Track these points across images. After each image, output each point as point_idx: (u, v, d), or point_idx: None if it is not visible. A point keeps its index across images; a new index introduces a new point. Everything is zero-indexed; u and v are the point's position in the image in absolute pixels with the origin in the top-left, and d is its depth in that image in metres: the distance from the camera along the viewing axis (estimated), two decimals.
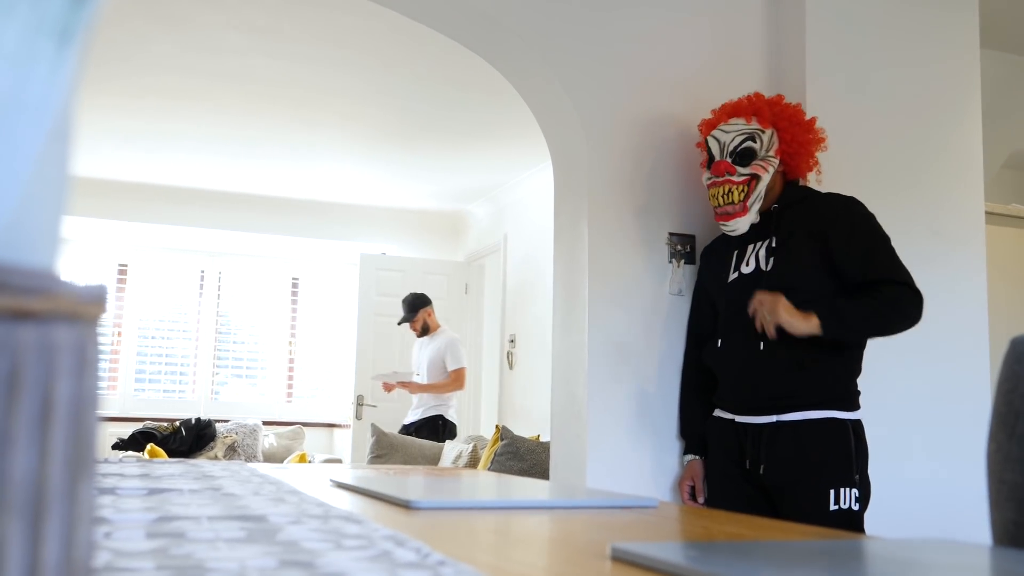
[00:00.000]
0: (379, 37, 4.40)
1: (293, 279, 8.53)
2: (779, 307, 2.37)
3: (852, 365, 2.50)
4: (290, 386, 8.40)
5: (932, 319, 3.11)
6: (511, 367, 6.87)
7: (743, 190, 2.57)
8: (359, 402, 7.17)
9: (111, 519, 0.77)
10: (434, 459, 6.36)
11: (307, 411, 8.25)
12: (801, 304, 2.40)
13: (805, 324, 2.35)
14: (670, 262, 2.98)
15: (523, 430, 5.76)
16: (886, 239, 2.50)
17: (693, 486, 2.74)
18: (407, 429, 6.43)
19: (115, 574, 0.52)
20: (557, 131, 3.13)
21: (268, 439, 7.39)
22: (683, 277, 2.98)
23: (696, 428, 2.78)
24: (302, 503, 0.95)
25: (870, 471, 2.46)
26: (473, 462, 5.81)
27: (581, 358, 2.89)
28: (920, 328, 3.07)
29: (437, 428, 6.36)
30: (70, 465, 0.31)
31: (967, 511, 2.91)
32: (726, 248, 2.73)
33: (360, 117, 5.57)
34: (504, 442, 5.05)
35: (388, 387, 6.39)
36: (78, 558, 0.31)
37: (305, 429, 7.81)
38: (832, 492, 2.34)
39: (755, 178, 2.57)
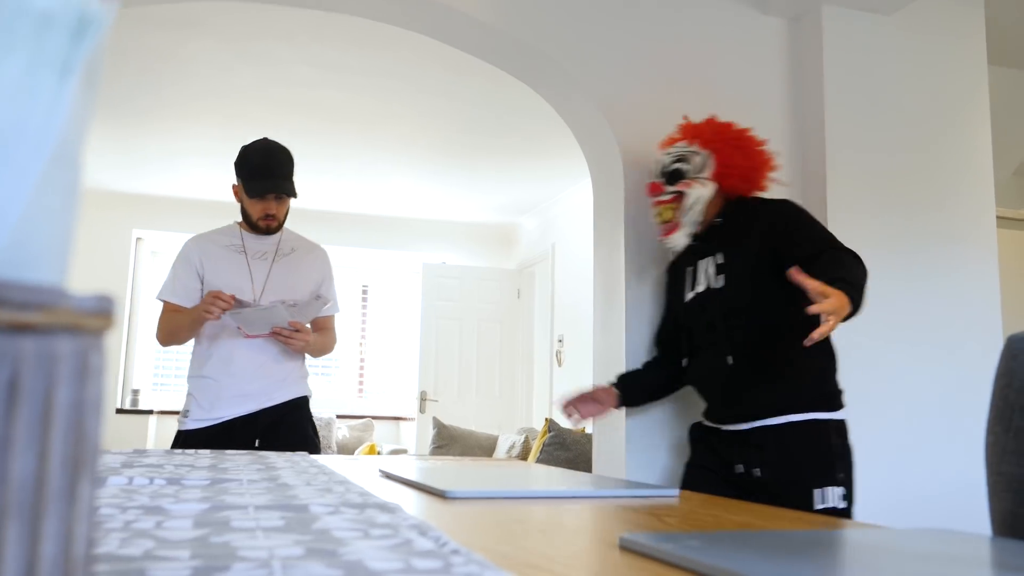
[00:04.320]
0: (435, 68, 4.42)
1: (363, 287, 8.59)
2: (841, 307, 1.95)
3: (825, 365, 2.30)
4: (361, 382, 8.45)
5: (946, 321, 3.02)
6: (560, 364, 6.84)
7: (672, 208, 2.46)
8: (423, 397, 7.19)
9: (167, 509, 0.77)
10: (489, 450, 6.35)
11: (377, 405, 8.29)
12: (757, 326, 2.26)
13: (847, 308, 1.97)
14: None
15: (570, 423, 5.73)
16: (818, 222, 2.31)
17: (579, 398, 2.56)
18: (229, 429, 2.63)
19: (151, 563, 0.51)
20: (595, 148, 3.11)
21: (341, 431, 7.45)
22: None
23: (628, 381, 2.62)
24: (346, 493, 0.94)
25: (883, 468, 2.32)
26: (525, 452, 5.80)
27: (619, 356, 2.86)
28: (934, 329, 2.99)
29: (308, 421, 2.78)
30: (69, 466, 0.30)
31: (980, 504, 2.82)
32: (682, 265, 2.56)
33: (421, 139, 5.60)
34: (552, 434, 5.03)
35: (292, 338, 2.66)
36: (75, 554, 0.30)
37: (375, 422, 7.86)
38: (817, 492, 2.17)
39: (680, 195, 2.44)
